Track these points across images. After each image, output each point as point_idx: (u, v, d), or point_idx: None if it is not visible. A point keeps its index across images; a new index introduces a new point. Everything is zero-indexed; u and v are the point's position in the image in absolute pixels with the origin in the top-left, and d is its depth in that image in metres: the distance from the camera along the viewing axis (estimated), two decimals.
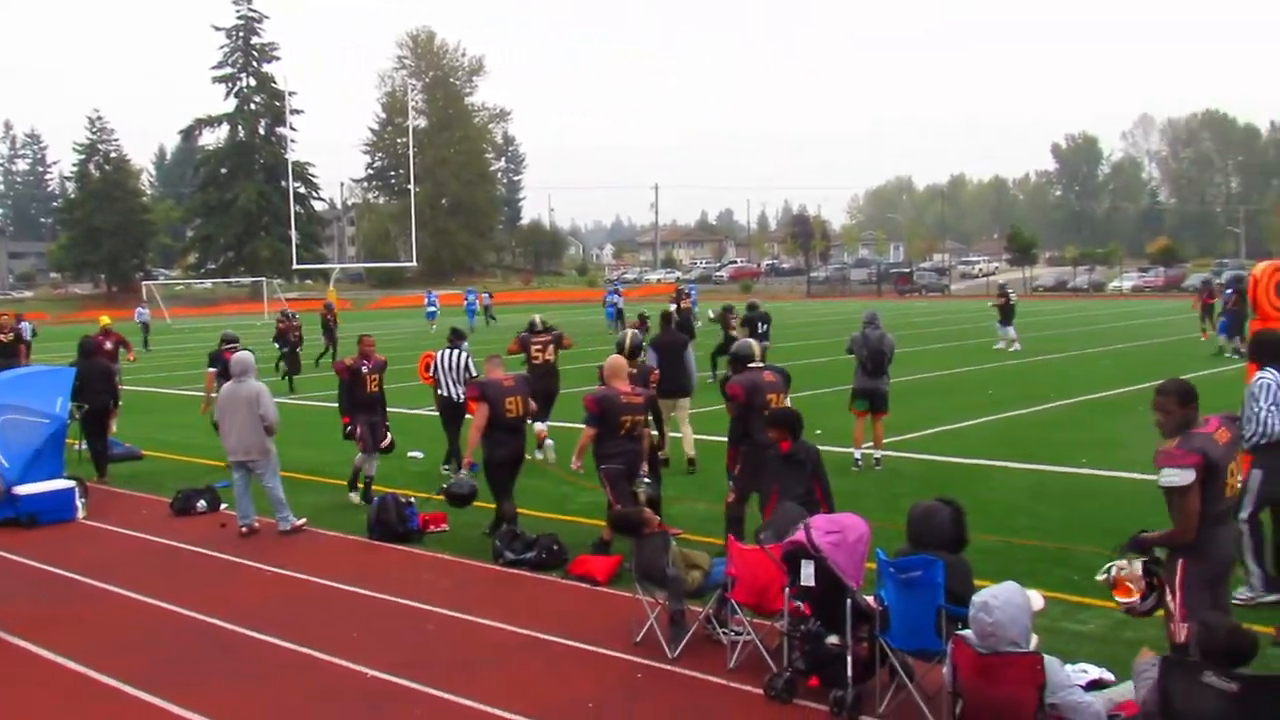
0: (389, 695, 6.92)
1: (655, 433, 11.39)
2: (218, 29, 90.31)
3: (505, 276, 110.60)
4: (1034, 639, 5.73)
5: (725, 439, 9.94)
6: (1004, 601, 5.60)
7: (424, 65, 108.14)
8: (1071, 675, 5.98)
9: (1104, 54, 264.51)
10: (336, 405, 12.88)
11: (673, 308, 20.60)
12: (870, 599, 6.36)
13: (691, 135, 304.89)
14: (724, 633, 7.36)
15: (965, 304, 58.38)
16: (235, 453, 11.18)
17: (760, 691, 6.60)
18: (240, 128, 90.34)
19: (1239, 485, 6.91)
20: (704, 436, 14.05)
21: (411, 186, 73.30)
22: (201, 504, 12.36)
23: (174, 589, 9.31)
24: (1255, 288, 8.41)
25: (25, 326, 26.15)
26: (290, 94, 74.61)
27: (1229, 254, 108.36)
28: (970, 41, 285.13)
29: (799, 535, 6.50)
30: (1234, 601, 6.88)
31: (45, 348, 31.42)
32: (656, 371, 12.00)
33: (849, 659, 6.27)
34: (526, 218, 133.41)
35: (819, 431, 14.10)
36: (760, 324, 20.78)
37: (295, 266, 70.42)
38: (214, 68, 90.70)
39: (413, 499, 11.31)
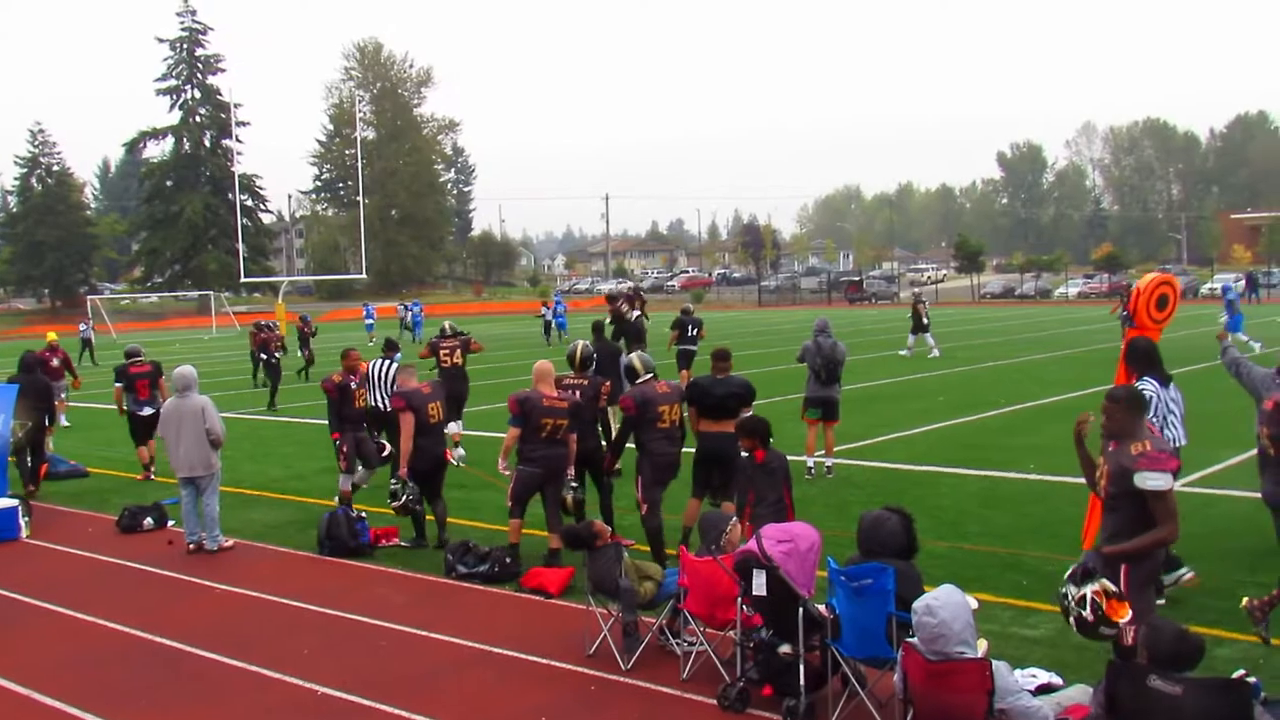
0: (340, 712, 6.85)
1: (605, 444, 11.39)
2: (161, 40, 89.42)
3: (457, 288, 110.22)
4: (983, 644, 5.78)
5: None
6: (945, 601, 5.65)
7: (372, 76, 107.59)
8: (1021, 680, 6.03)
9: (1047, 62, 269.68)
10: (291, 420, 12.76)
11: (634, 314, 20.51)
12: (822, 607, 6.40)
13: (642, 145, 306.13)
14: (677, 643, 7.36)
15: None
16: (182, 469, 11.04)
17: (714, 702, 6.61)
18: (185, 140, 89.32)
19: None
20: None
21: (360, 198, 72.73)
22: (149, 521, 12.18)
23: (120, 608, 9.17)
24: (1137, 299, 8.62)
25: None
26: (236, 106, 74.14)
27: (1171, 259, 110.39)
28: (916, 48, 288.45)
29: (751, 545, 6.52)
30: None
31: None
32: (608, 384, 12.02)
33: (801, 668, 6.29)
34: (477, 229, 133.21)
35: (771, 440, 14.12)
36: (691, 328, 20.96)
37: (243, 280, 69.66)
38: (158, 79, 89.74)
39: (364, 513, 11.23)
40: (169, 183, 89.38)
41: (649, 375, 9.97)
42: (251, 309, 77.86)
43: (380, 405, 13.49)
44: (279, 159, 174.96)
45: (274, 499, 13.51)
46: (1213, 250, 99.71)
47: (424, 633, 8.25)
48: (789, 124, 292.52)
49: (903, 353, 30.30)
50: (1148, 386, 8.19)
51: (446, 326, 16.31)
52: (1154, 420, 7.97)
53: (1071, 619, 5.77)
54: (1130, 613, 5.70)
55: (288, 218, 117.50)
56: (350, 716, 6.78)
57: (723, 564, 6.76)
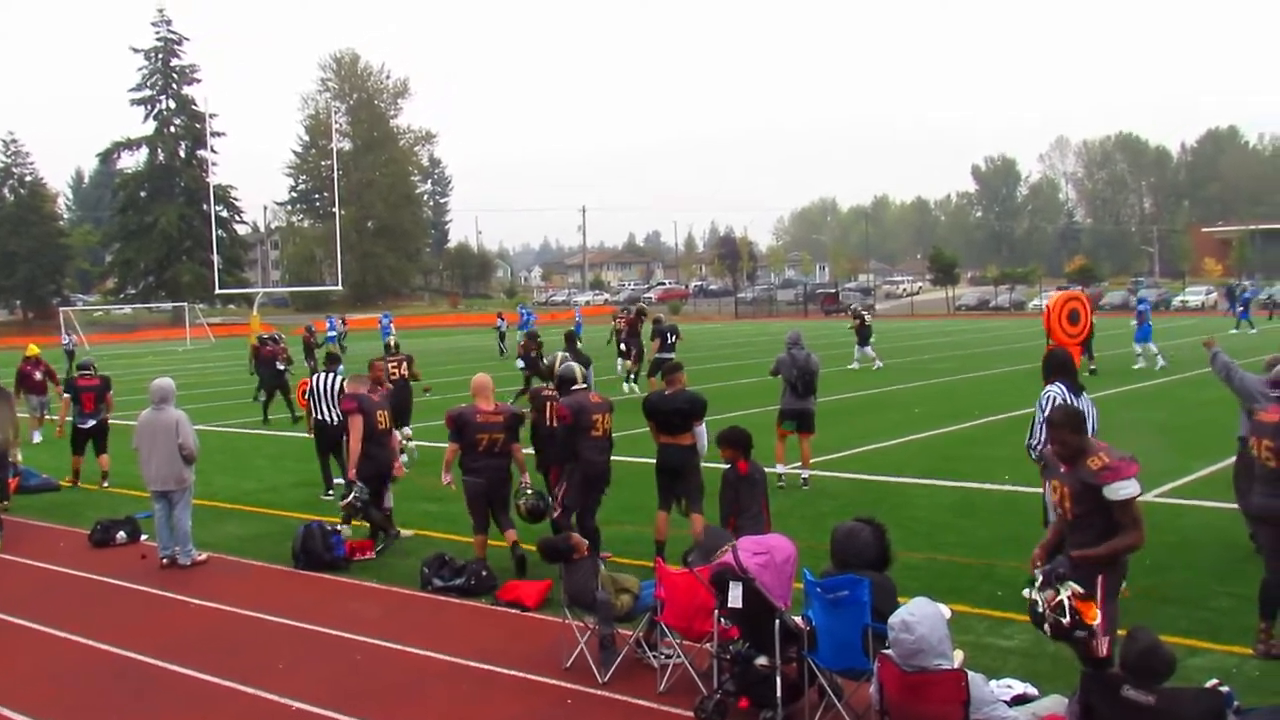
0: None
1: None
2: (136, 50, 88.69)
3: (433, 300, 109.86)
4: (959, 655, 5.80)
5: (652, 461, 10.24)
6: (920, 616, 5.66)
7: (348, 87, 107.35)
8: (996, 690, 6.07)
9: (1020, 76, 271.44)
10: (268, 434, 12.69)
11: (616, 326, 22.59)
12: (798, 619, 6.41)
13: (619, 158, 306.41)
14: (654, 656, 7.37)
15: (890, 323, 59.05)
16: (155, 483, 10.95)
17: (691, 714, 6.60)
18: (160, 150, 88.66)
19: None
20: (623, 459, 13.83)
21: (336, 209, 72.39)
22: (121, 535, 12.07)
23: (92, 623, 9.09)
24: (1049, 316, 8.79)
25: None
26: (211, 116, 73.27)
27: (1144, 272, 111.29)
28: (891, 63, 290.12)
29: (727, 557, 6.54)
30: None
31: None
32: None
33: (778, 679, 6.30)
34: (454, 240, 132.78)
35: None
36: (669, 335, 23.41)
37: (218, 291, 69.13)
38: (132, 90, 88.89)
39: (339, 526, 11.19)
40: (143, 193, 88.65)
41: (583, 385, 10.26)
42: (226, 320, 77.50)
43: (326, 419, 13.50)
44: (255, 170, 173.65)
45: (248, 512, 13.42)
46: (1184, 263, 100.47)
47: (400, 646, 8.22)
48: (766, 136, 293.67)
49: (875, 365, 30.41)
50: (1053, 389, 8.32)
51: (392, 344, 17.29)
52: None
53: (1046, 626, 5.70)
54: (1100, 614, 5.74)
55: (263, 229, 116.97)
56: None
57: (699, 576, 6.77)
